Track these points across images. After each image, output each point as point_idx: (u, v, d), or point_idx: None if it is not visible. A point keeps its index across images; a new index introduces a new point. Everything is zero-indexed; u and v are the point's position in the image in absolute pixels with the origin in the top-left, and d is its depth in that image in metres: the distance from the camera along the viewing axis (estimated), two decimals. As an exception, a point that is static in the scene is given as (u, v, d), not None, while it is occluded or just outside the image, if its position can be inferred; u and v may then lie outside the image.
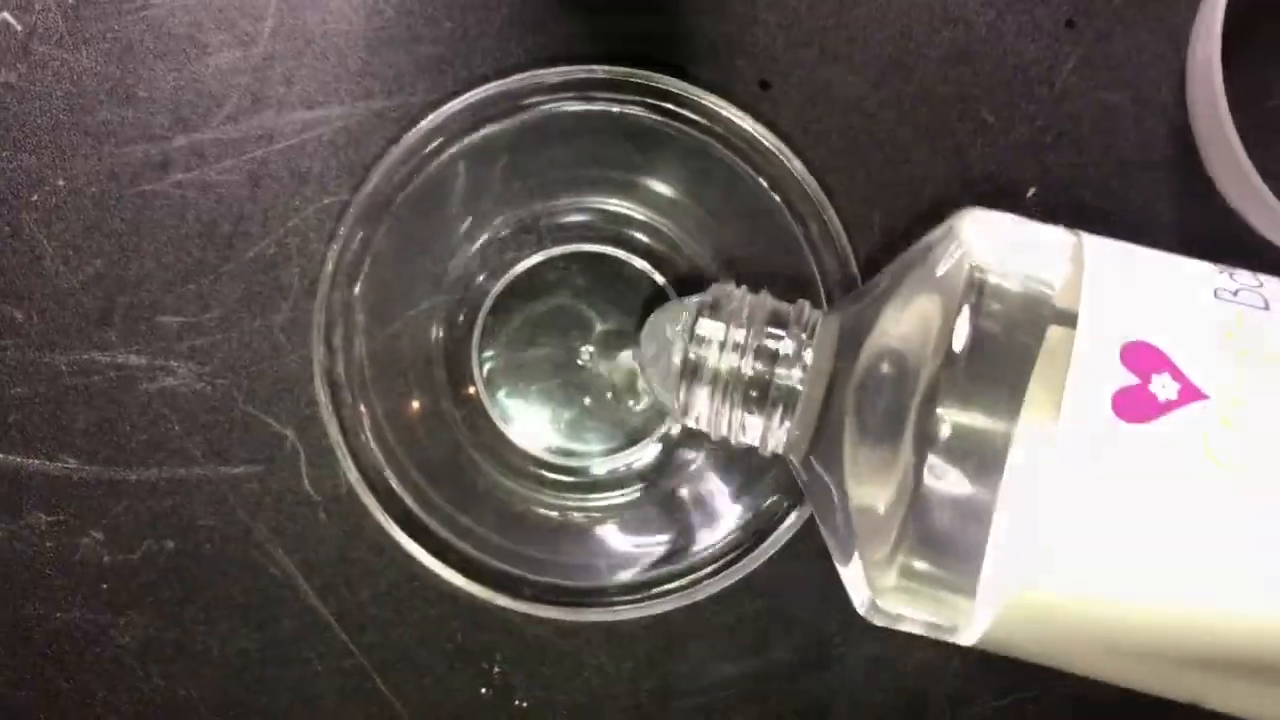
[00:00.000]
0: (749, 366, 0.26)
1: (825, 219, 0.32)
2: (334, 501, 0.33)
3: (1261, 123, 0.34)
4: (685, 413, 0.28)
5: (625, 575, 0.32)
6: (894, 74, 0.33)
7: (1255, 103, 0.34)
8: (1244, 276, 0.25)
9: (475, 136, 0.32)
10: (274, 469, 0.33)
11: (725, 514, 0.32)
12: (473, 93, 0.32)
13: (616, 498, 0.33)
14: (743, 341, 0.26)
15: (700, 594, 0.32)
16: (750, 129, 0.32)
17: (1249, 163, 0.31)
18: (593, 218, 0.33)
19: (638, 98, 0.32)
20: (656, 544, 0.32)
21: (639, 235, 0.33)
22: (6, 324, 0.33)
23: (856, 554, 0.25)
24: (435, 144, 0.32)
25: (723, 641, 0.33)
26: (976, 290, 0.23)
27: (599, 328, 0.33)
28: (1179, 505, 0.21)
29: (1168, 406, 0.21)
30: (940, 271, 0.25)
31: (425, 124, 0.32)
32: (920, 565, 0.23)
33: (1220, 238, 0.34)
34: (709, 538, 0.32)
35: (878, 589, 0.25)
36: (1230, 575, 0.22)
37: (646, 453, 0.33)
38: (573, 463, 0.33)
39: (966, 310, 0.23)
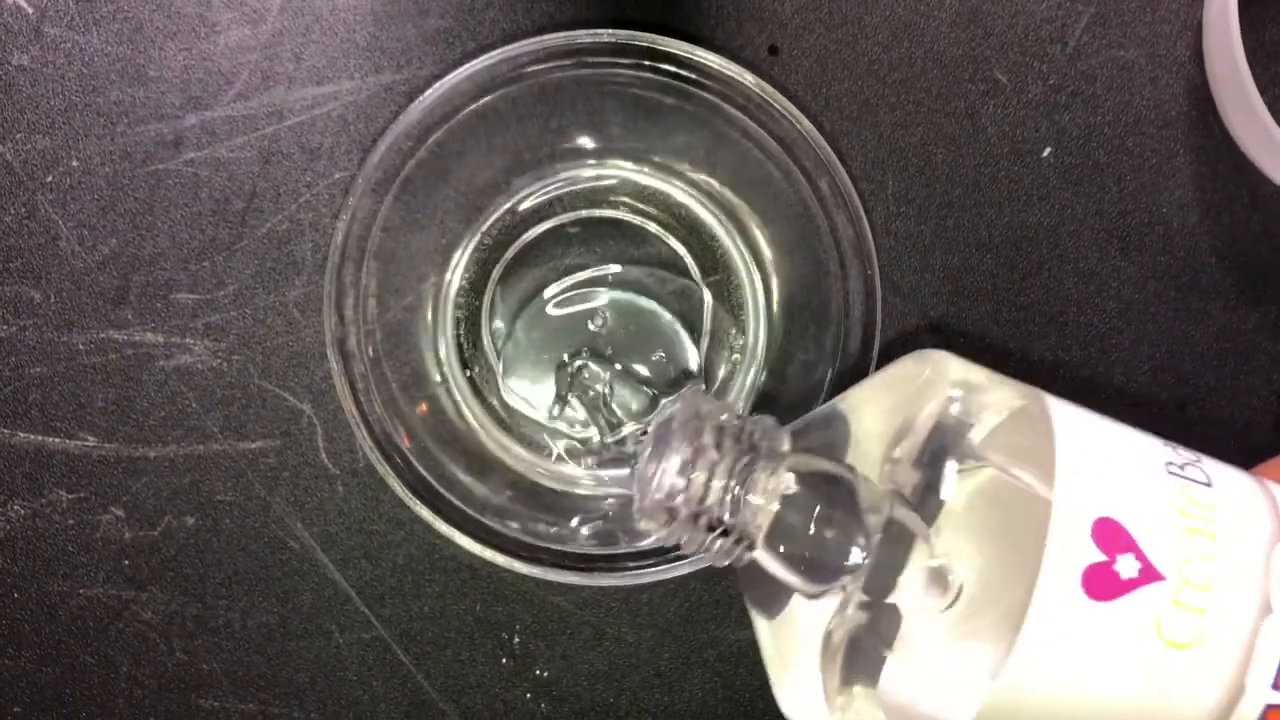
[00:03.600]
0: (717, 499, 0.25)
1: (836, 180, 0.32)
2: (352, 474, 0.33)
3: (1280, 76, 0.33)
4: (656, 528, 0.26)
5: (642, 542, 0.31)
6: (904, 36, 0.33)
7: (1274, 56, 0.33)
8: (1184, 451, 0.26)
9: (482, 104, 0.32)
10: (291, 443, 0.33)
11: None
12: (478, 60, 0.32)
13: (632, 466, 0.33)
14: (712, 477, 0.25)
15: (718, 561, 0.31)
16: (758, 90, 0.32)
17: (1270, 117, 0.31)
18: (602, 183, 0.33)
19: (645, 62, 0.32)
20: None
21: (649, 199, 0.33)
22: (24, 304, 0.33)
23: (810, 680, 0.26)
24: (441, 114, 0.32)
25: (742, 608, 0.33)
26: (959, 452, 0.25)
27: (611, 294, 0.33)
28: (1133, 677, 0.23)
29: (1129, 585, 0.23)
30: (907, 414, 0.25)
31: (430, 94, 0.32)
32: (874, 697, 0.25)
33: (1239, 195, 0.33)
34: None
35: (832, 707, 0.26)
36: None
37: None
38: (585, 432, 0.33)
39: (952, 468, 0.24)
